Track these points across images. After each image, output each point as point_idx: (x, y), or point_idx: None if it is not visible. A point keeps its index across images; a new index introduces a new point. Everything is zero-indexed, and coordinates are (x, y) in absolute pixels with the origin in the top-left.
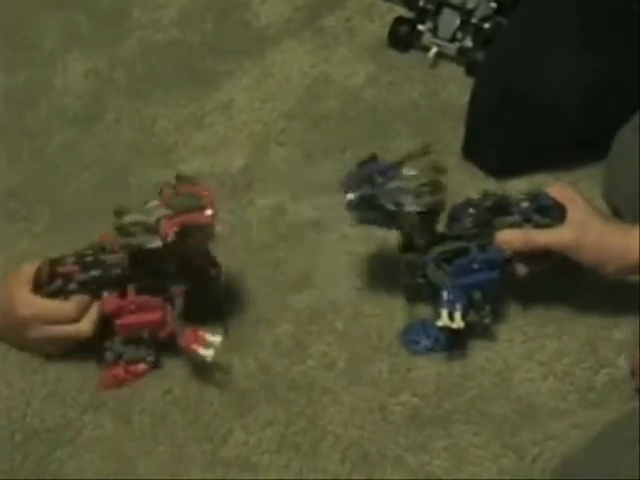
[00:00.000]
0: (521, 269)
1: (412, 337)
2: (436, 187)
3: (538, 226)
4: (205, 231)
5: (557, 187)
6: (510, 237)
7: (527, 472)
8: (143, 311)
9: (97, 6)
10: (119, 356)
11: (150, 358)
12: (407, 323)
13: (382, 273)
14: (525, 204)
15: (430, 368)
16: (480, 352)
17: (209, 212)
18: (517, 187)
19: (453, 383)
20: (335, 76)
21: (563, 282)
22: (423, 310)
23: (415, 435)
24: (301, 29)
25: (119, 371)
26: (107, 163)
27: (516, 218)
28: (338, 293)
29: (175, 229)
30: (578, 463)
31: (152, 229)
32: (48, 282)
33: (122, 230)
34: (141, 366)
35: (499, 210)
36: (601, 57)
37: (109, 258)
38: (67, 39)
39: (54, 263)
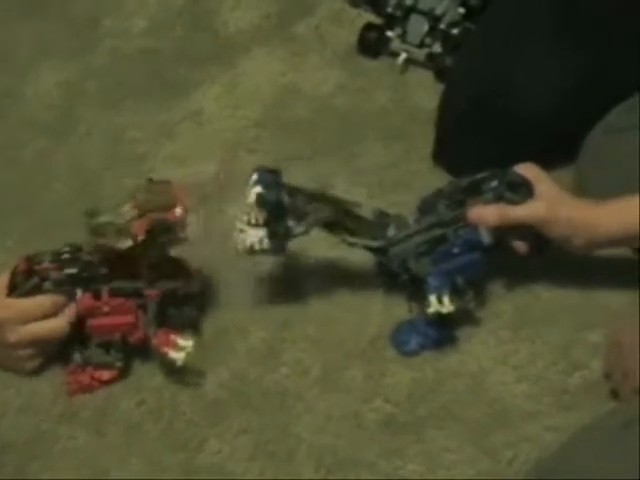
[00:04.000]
0: (521, 246)
1: (402, 338)
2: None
3: (510, 203)
4: (176, 230)
5: (523, 166)
6: (484, 213)
7: (502, 475)
8: (116, 313)
9: (68, 15)
10: (87, 361)
11: (119, 364)
12: (397, 324)
13: (355, 278)
14: (495, 182)
15: (404, 373)
16: (454, 356)
17: (178, 210)
18: None
19: (426, 388)
20: (305, 83)
21: (536, 286)
22: (401, 313)
23: (389, 441)
24: (271, 36)
25: (84, 377)
26: (79, 173)
27: (488, 196)
28: (311, 299)
29: (145, 227)
30: (552, 465)
31: (124, 230)
32: (24, 280)
33: (94, 231)
34: (107, 372)
35: (471, 190)
36: (575, 58)
37: (85, 257)
38: (39, 49)
39: (30, 260)
